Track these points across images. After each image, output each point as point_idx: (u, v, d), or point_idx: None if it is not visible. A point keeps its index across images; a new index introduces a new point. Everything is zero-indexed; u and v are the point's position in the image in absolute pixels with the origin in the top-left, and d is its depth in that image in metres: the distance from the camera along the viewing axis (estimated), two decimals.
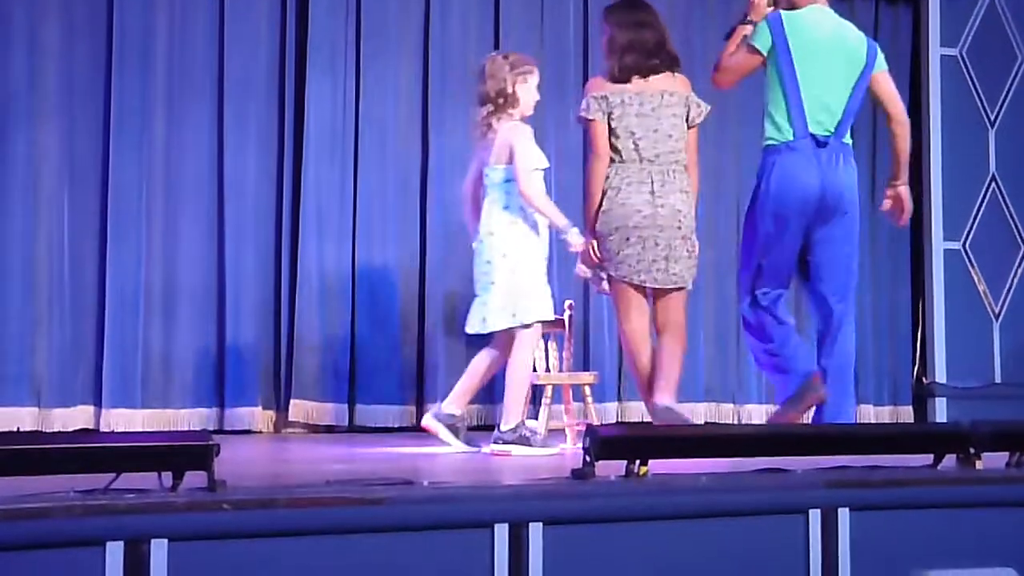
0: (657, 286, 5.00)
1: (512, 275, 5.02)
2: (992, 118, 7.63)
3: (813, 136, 4.88)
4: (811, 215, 4.86)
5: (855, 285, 5.12)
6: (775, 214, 4.86)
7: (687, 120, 5.12)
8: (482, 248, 5.09)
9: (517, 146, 5.03)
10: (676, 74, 5.15)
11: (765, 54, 4.93)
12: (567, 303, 5.55)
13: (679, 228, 4.99)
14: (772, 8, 5.06)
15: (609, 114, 5.01)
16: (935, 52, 7.56)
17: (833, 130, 4.92)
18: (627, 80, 5.05)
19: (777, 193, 4.86)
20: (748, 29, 5.04)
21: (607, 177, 5.00)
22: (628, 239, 4.93)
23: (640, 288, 5.00)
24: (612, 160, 5.01)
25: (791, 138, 4.90)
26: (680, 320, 5.09)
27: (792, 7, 5.02)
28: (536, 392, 5.33)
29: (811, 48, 4.93)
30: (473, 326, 5.13)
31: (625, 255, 4.94)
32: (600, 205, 4.98)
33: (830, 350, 4.98)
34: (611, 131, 5.01)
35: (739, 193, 7.20)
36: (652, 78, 5.07)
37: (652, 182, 4.98)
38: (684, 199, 5.04)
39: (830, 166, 4.89)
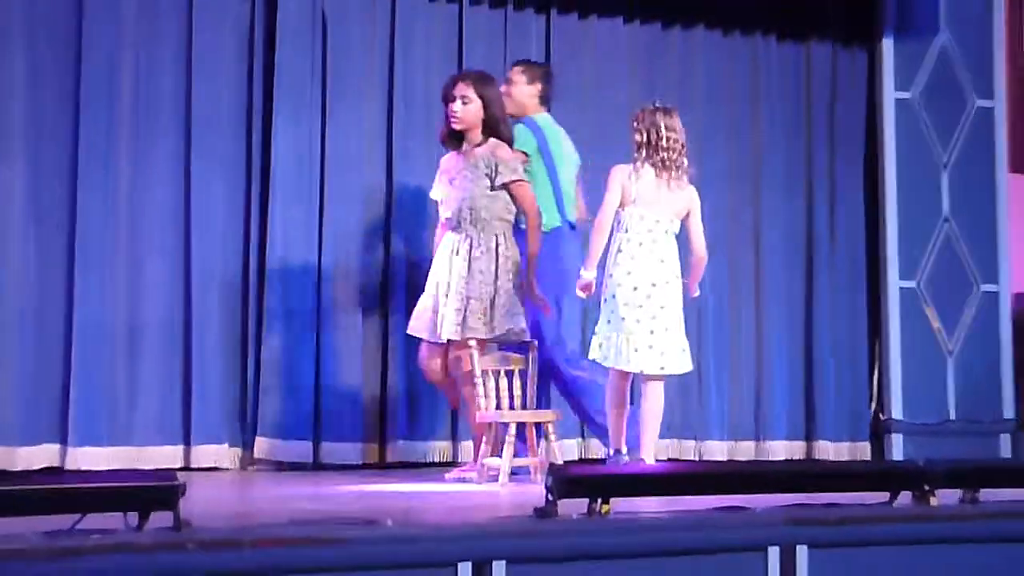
0: None
1: (682, 324, 5.36)
2: (945, 160, 7.72)
3: (568, 222, 5.97)
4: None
5: None
6: (556, 291, 5.74)
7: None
8: (656, 291, 5.26)
9: (698, 210, 5.44)
10: None
11: (528, 156, 5.82)
12: (531, 343, 5.56)
13: None
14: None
15: None
16: (889, 96, 7.64)
17: (571, 218, 5.99)
18: None
19: (565, 268, 5.72)
20: None
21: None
22: None
23: None
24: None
25: (559, 224, 5.90)
26: None
27: (521, 118, 5.95)
28: (499, 430, 5.33)
29: (560, 150, 6.00)
30: (654, 366, 5.29)
31: None
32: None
33: None
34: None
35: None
36: None
37: None
38: None
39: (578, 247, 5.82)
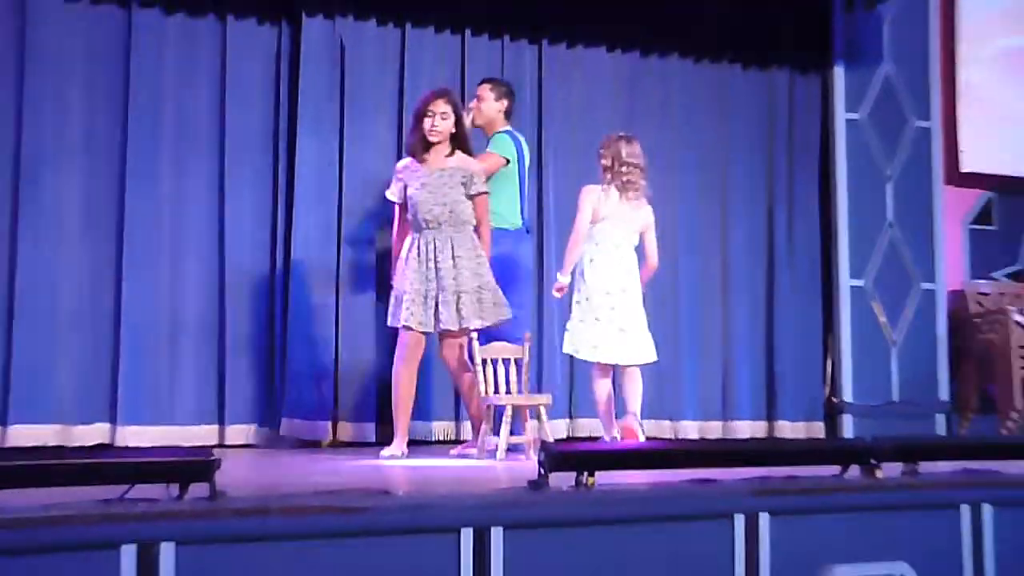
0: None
1: (645, 321, 5.58)
2: (889, 174, 7.73)
3: (526, 224, 6.06)
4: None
5: None
6: (516, 286, 5.81)
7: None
8: (625, 296, 5.50)
9: (653, 226, 5.64)
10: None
11: (507, 163, 5.88)
12: (526, 335, 5.56)
13: None
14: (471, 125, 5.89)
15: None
16: (841, 116, 7.65)
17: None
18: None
19: (523, 262, 5.96)
20: None
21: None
22: None
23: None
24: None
25: (520, 225, 5.93)
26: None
27: (490, 131, 6.02)
28: (497, 412, 5.33)
29: (524, 161, 5.99)
30: (629, 358, 5.51)
31: None
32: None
33: None
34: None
35: (676, 237, 7.25)
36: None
37: None
38: None
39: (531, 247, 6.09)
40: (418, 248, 5.41)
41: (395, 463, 5.08)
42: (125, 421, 6.04)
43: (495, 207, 5.68)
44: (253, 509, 2.69)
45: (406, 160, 5.62)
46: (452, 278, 5.36)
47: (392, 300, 5.51)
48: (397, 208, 5.60)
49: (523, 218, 6.00)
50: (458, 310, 5.35)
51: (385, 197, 5.71)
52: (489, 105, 6.05)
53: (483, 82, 6.20)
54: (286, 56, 6.60)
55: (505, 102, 6.08)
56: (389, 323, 5.55)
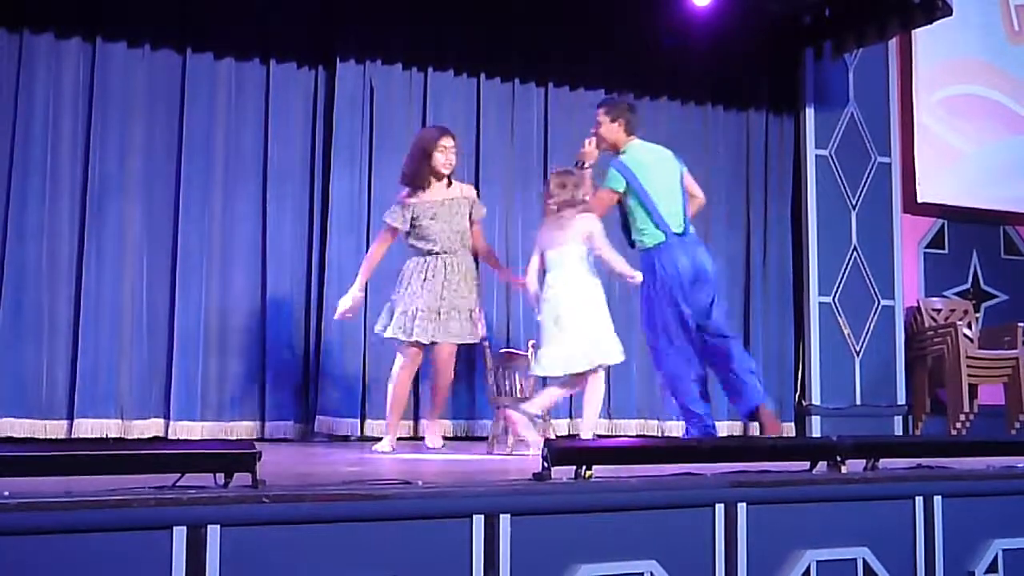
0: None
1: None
2: (853, 203, 7.72)
3: (675, 233, 5.28)
4: (688, 285, 5.22)
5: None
6: (670, 290, 5.20)
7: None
8: None
9: None
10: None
11: (622, 191, 5.27)
12: (530, 342, 5.55)
13: None
14: (596, 151, 5.38)
15: None
16: (811, 152, 7.65)
17: (683, 224, 5.31)
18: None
19: (669, 276, 5.21)
20: (589, 172, 5.34)
21: None
22: None
23: None
24: None
25: (663, 239, 5.26)
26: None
27: (617, 149, 5.39)
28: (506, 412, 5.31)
29: (650, 175, 5.31)
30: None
31: None
32: None
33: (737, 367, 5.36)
34: None
35: None
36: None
37: None
38: None
39: (692, 249, 5.30)
40: (428, 269, 5.35)
41: (410, 456, 5.05)
42: (177, 417, 6.05)
43: (642, 226, 5.30)
44: (290, 496, 2.68)
45: (405, 191, 5.48)
46: (462, 297, 5.33)
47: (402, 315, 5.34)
48: (390, 232, 5.46)
49: (664, 230, 5.31)
50: (473, 323, 5.34)
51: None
52: (607, 128, 5.42)
53: (598, 107, 5.58)
54: (322, 97, 6.62)
55: (621, 121, 5.43)
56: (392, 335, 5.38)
